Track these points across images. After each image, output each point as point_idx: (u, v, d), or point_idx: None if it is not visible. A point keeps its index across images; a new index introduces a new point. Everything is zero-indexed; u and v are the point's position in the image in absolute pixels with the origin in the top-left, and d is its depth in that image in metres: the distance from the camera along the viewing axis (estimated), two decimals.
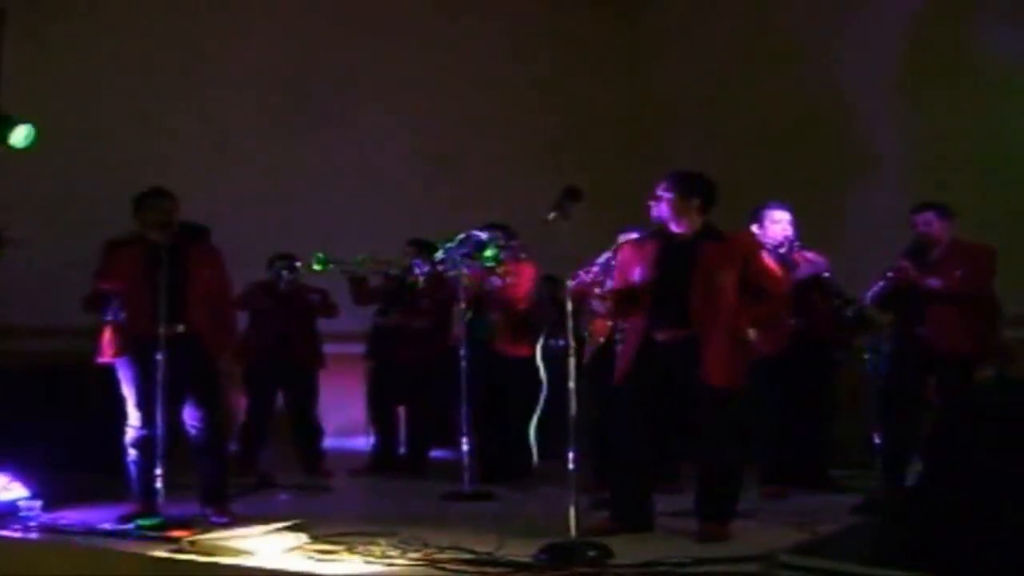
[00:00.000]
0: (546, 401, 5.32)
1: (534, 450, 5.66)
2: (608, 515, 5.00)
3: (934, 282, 5.89)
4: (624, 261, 5.25)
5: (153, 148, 8.84)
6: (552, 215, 4.65)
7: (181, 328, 5.42)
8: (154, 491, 5.25)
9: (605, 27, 10.90)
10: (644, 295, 5.02)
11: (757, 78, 9.90)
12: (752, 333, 5.02)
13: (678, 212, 5.05)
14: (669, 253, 5.05)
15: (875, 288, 6.11)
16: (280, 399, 7.69)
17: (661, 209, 5.08)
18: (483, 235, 6.71)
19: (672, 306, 4.95)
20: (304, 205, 9.32)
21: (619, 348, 5.46)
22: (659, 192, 5.08)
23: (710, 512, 4.90)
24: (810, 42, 9.61)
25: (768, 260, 5.34)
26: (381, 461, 7.71)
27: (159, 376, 5.25)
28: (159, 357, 5.25)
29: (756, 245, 5.38)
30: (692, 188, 5.07)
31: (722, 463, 4.95)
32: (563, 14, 10.78)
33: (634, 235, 5.49)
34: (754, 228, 6.41)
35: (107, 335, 5.66)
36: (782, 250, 6.33)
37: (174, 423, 5.42)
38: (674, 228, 5.08)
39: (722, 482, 4.95)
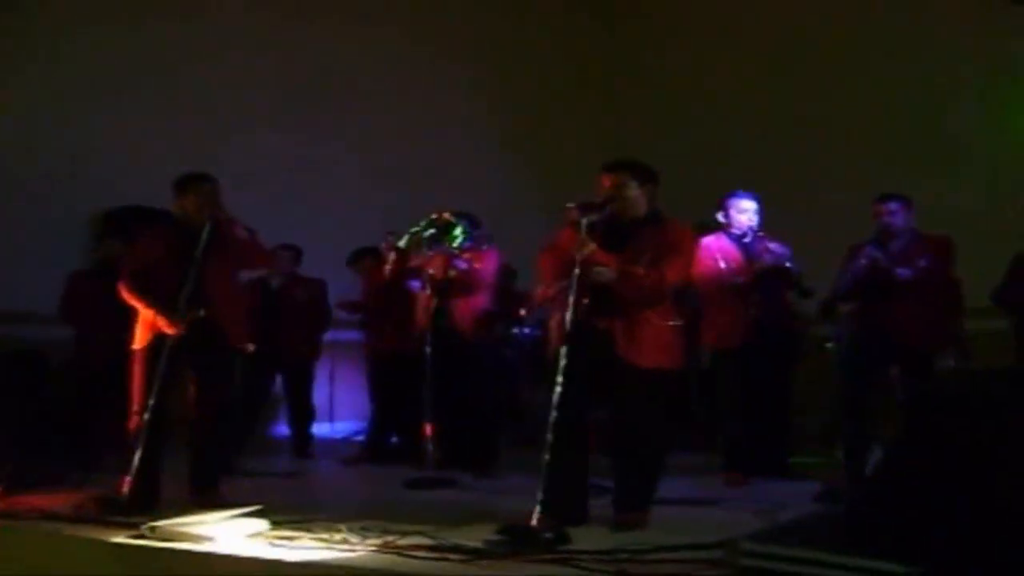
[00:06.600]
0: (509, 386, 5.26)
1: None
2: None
3: (904, 272, 5.84)
4: (567, 241, 4.87)
5: (129, 140, 8.76)
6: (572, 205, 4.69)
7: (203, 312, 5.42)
8: None
9: (585, 32, 10.94)
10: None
11: (740, 77, 10.00)
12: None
13: (637, 200, 4.89)
14: (610, 240, 4.77)
15: (844, 279, 6.07)
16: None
17: (625, 198, 4.85)
18: (450, 216, 6.62)
19: (610, 293, 4.70)
20: (286, 204, 9.30)
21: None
22: (622, 181, 4.87)
23: (631, 501, 4.74)
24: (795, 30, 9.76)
25: (681, 265, 4.89)
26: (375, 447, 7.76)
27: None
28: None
29: (687, 239, 5.02)
30: (648, 175, 4.95)
31: (645, 449, 4.81)
32: (543, 19, 10.82)
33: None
34: (719, 216, 6.44)
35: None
36: (746, 239, 6.37)
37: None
38: (620, 215, 4.85)
39: (643, 469, 4.81)
